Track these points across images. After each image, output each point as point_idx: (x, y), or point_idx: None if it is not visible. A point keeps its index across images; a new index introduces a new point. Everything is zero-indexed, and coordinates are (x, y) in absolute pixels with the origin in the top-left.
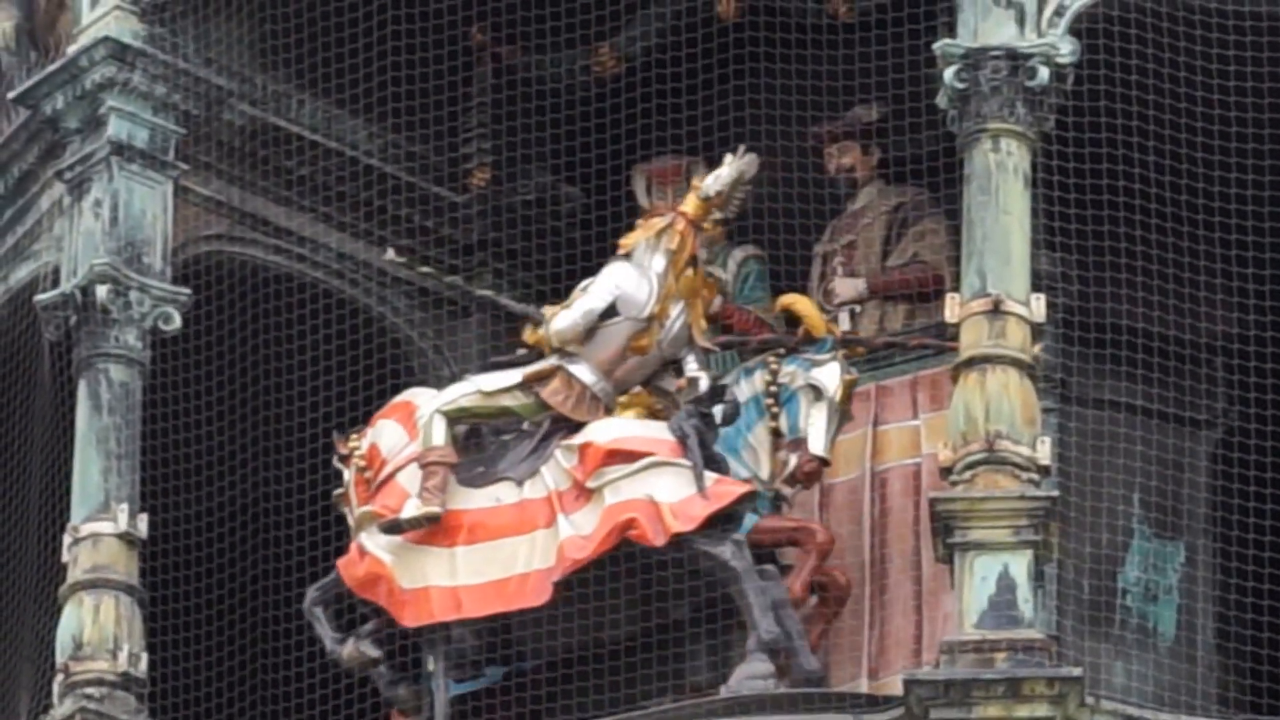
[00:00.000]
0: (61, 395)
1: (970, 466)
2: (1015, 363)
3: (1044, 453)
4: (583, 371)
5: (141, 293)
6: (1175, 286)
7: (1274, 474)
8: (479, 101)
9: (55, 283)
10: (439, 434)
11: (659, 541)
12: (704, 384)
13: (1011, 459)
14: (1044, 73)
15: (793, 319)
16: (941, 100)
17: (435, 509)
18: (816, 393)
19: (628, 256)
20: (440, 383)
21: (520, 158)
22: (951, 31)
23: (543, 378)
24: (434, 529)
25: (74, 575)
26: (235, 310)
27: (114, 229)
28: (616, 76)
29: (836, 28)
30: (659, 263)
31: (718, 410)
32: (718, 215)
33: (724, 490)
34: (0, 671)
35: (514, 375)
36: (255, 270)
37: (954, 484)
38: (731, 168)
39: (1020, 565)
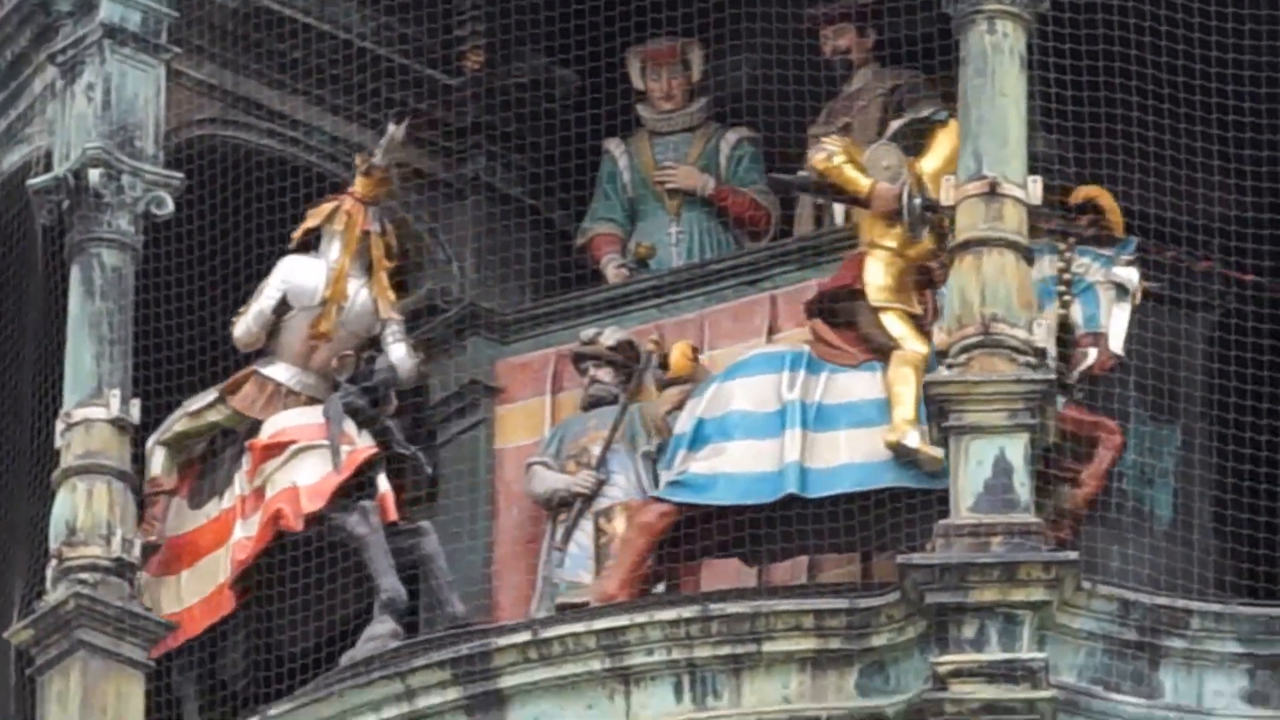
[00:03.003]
0: (54, 280)
1: (966, 350)
2: (1011, 245)
3: (1040, 336)
4: (276, 371)
5: (134, 176)
6: (1172, 168)
7: (1271, 356)
8: None
9: (48, 167)
10: (157, 464)
11: (299, 525)
12: (401, 354)
13: (1007, 342)
14: None
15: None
16: None
17: (152, 539)
18: (1121, 291)
19: (309, 245)
20: (436, 266)
21: (514, 40)
22: None
23: (237, 386)
24: (167, 559)
25: (67, 461)
26: (229, 195)
27: (106, 113)
28: None
29: None
30: (334, 247)
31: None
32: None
33: (352, 459)
34: None
35: (212, 392)
36: (248, 154)
37: (949, 367)
38: (386, 138)
39: (1016, 449)
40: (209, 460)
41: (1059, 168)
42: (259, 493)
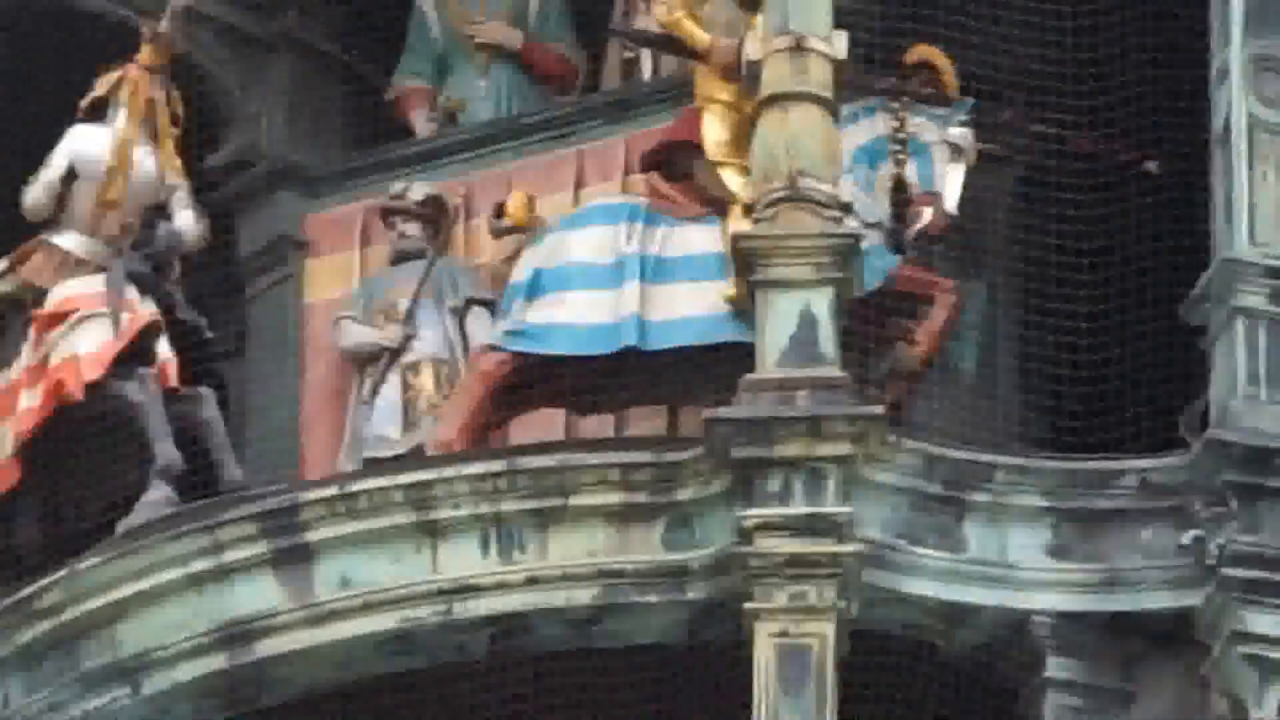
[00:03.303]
0: None
1: (772, 204)
2: (818, 100)
3: (846, 190)
4: (65, 239)
5: None
6: (974, 22)
7: (1074, 211)
8: None
9: None
10: None
11: (79, 394)
12: (187, 220)
13: (813, 196)
14: None
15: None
16: None
17: None
18: (956, 151)
19: (97, 114)
20: (246, 122)
21: None
22: None
23: (27, 255)
24: None
25: None
26: (43, 48)
27: None
28: None
29: None
30: (120, 116)
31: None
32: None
33: (131, 326)
34: None
35: (2, 262)
36: (62, 7)
37: (756, 221)
38: (170, 6)
39: (822, 303)
40: (1, 331)
41: (864, 20)
42: (43, 362)
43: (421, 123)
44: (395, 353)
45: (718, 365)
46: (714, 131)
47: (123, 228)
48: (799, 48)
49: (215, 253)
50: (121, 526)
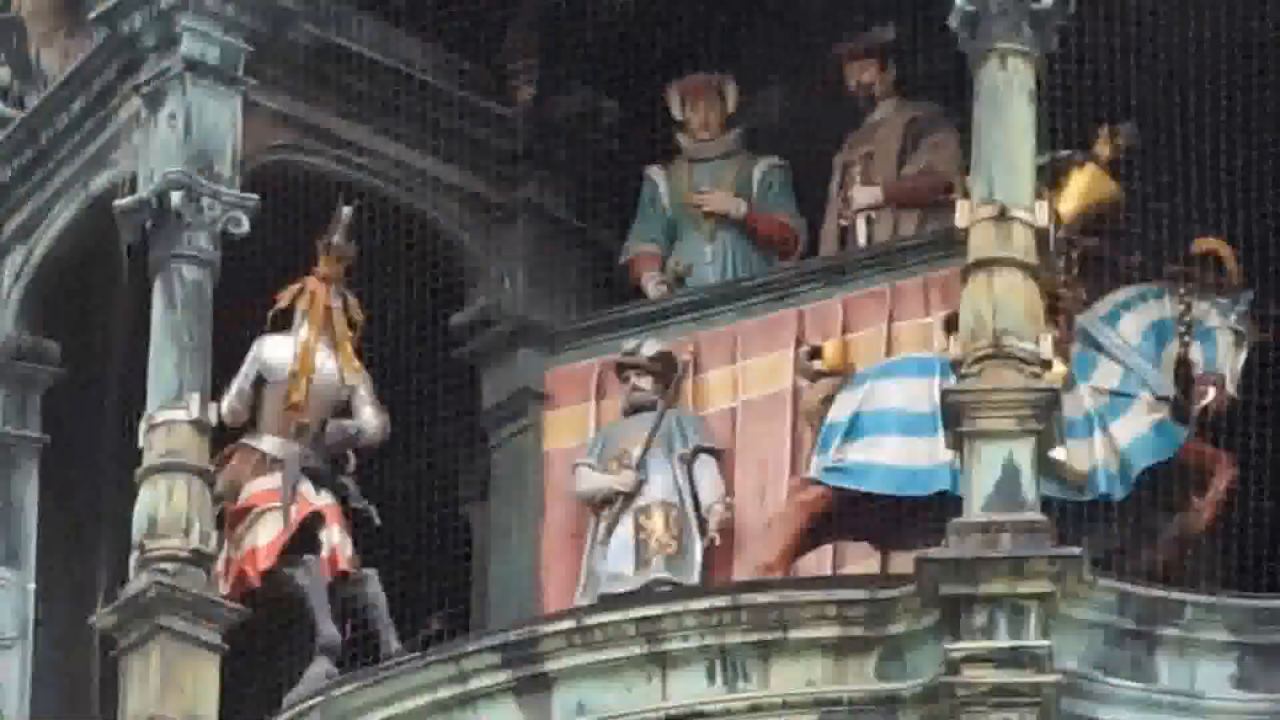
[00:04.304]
0: (138, 293)
1: (978, 360)
2: (1020, 265)
3: (1046, 348)
4: (262, 442)
5: (212, 199)
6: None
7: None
8: (526, 21)
9: (133, 189)
10: None
11: (257, 582)
12: (367, 416)
13: (1016, 354)
14: None
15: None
16: (953, 21)
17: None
18: (1239, 336)
19: (281, 324)
20: (489, 283)
21: (563, 74)
22: None
23: (229, 458)
24: None
25: (149, 460)
26: (300, 214)
27: (187, 140)
28: None
29: None
30: (303, 324)
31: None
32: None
33: (295, 518)
34: (81, 549)
35: (210, 464)
36: (318, 178)
37: (963, 377)
38: (342, 220)
39: (1024, 452)
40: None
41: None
42: (233, 554)
43: (652, 285)
44: (628, 497)
45: (928, 510)
46: None
47: (300, 427)
48: (1003, 216)
49: (461, 404)
50: (286, 700)
